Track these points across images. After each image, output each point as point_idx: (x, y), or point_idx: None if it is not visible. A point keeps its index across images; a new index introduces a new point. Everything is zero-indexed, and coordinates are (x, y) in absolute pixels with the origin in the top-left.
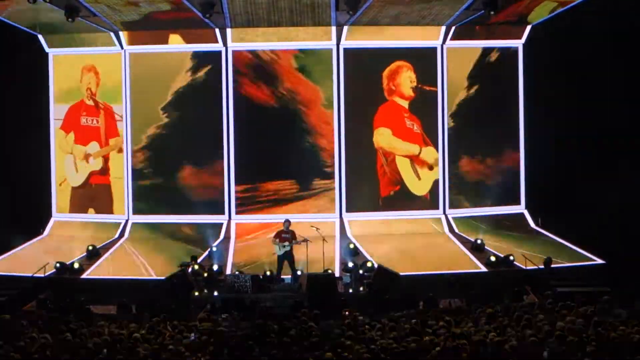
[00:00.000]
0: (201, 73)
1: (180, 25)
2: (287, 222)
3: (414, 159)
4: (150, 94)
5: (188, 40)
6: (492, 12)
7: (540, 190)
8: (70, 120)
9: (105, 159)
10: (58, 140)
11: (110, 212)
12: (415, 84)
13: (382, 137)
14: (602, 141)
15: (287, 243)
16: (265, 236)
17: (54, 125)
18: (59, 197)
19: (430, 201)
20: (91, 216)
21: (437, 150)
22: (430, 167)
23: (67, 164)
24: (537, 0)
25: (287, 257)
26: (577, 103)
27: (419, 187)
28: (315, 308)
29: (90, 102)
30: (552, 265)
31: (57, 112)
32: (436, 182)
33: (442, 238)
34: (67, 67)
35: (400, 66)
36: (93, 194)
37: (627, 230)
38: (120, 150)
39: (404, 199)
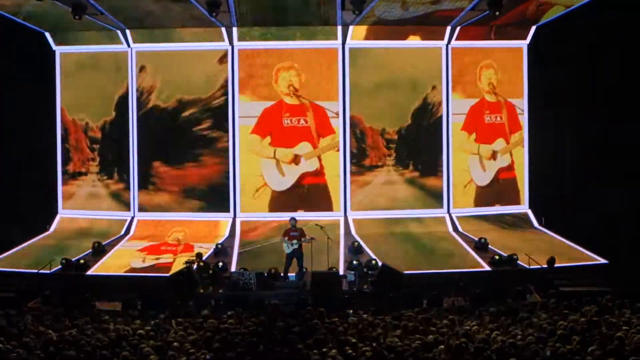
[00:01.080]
0: None
1: (186, 23)
2: (293, 220)
3: None
4: None
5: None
6: (496, 13)
7: (544, 189)
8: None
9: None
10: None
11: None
12: None
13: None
14: (606, 141)
15: (295, 241)
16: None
17: (60, 126)
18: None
19: None
20: (97, 213)
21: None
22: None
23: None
24: (547, 5)
25: (296, 255)
26: (581, 103)
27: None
28: (319, 306)
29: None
30: (556, 265)
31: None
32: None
33: (446, 237)
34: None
35: None
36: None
37: (631, 230)
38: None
39: None
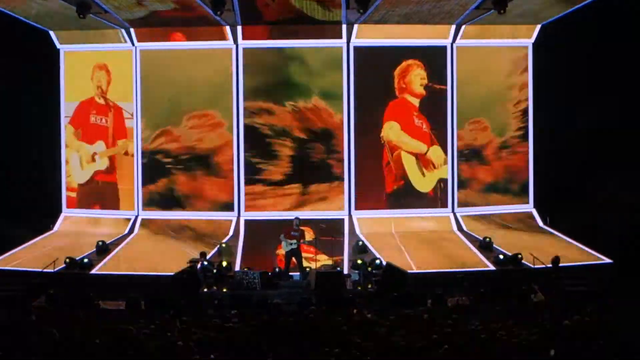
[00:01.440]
0: None
1: (190, 23)
2: (297, 219)
3: (420, 157)
4: None
5: None
6: (501, 11)
7: (549, 188)
8: (80, 116)
9: (112, 160)
10: (67, 135)
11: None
12: (425, 82)
13: (391, 131)
14: (611, 140)
15: (295, 241)
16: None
17: (64, 122)
18: (68, 191)
19: (435, 198)
20: (101, 212)
21: (446, 149)
22: (435, 167)
23: (72, 160)
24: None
25: (295, 254)
26: (587, 102)
27: (423, 184)
28: (323, 305)
29: (101, 101)
30: (560, 264)
31: (67, 109)
32: (440, 181)
33: (451, 236)
34: (78, 64)
35: (410, 64)
36: (100, 191)
37: (635, 230)
38: (126, 153)
39: (408, 195)
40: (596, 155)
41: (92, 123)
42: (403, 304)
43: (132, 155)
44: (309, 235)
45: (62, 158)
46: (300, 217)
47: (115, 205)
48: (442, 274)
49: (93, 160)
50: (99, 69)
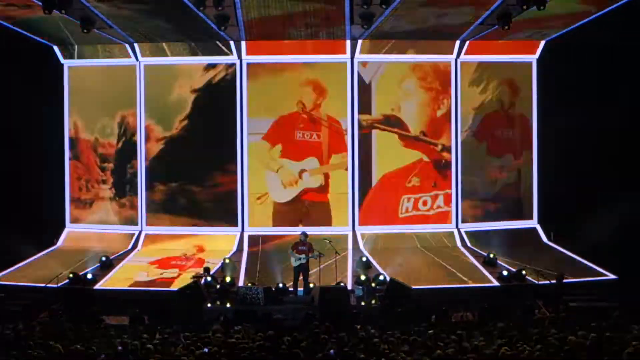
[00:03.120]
0: None
1: (193, 38)
2: (304, 234)
3: None
4: None
5: None
6: (505, 27)
7: (553, 205)
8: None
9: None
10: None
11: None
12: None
13: None
14: (615, 156)
15: (303, 256)
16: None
17: (68, 135)
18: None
19: None
20: (105, 227)
21: (451, 162)
22: None
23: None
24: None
25: (302, 270)
26: (591, 117)
27: None
28: (327, 320)
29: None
30: (564, 281)
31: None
32: None
33: (455, 252)
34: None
35: None
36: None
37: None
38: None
39: None
40: (601, 171)
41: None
42: (407, 319)
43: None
44: (316, 251)
45: (66, 173)
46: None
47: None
48: (446, 289)
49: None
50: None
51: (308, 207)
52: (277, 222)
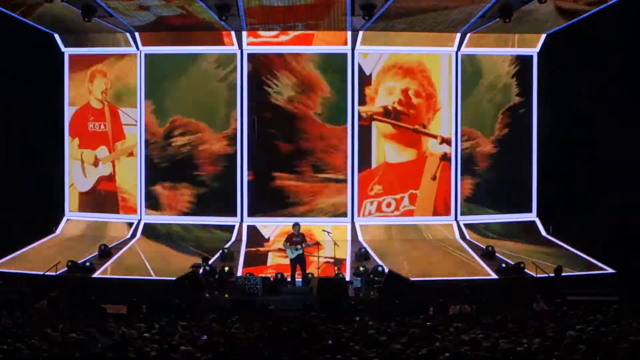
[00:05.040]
0: None
1: (194, 27)
2: (297, 225)
3: None
4: None
5: None
6: (506, 20)
7: (552, 198)
8: (76, 125)
9: (113, 164)
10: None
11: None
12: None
13: None
14: (614, 149)
15: (298, 246)
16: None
17: (69, 128)
18: (70, 199)
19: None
20: (104, 215)
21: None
22: None
23: (74, 169)
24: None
25: (299, 261)
26: (591, 111)
27: None
28: (325, 311)
29: (99, 105)
30: (563, 274)
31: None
32: None
33: (453, 244)
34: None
35: None
36: (101, 201)
37: (639, 240)
38: (130, 154)
39: None
40: (600, 164)
41: (90, 130)
42: (405, 311)
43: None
44: (309, 239)
45: (66, 161)
46: (300, 223)
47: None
48: (444, 282)
49: (95, 165)
50: (99, 74)
51: None
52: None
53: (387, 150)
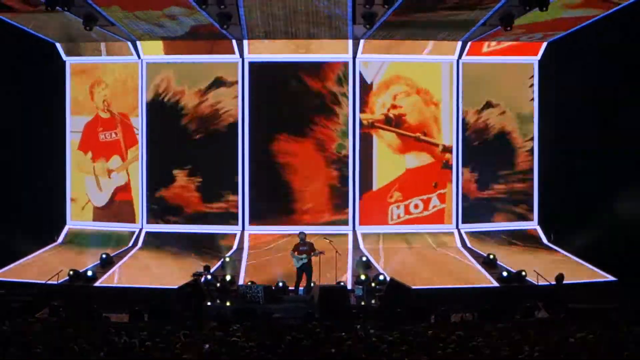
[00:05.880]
0: None
1: (197, 36)
2: (302, 234)
3: None
4: None
5: None
6: (507, 28)
7: (553, 206)
8: (88, 137)
9: (127, 173)
10: (76, 159)
11: None
12: None
13: None
14: (616, 158)
15: (305, 255)
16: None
17: (70, 136)
18: (79, 214)
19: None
20: (105, 224)
21: (452, 163)
22: None
23: (88, 185)
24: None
25: (306, 269)
26: (592, 119)
27: None
28: (327, 320)
29: (107, 115)
30: (564, 282)
31: (73, 123)
32: None
33: (455, 252)
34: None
35: None
36: (117, 211)
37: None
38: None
39: None
40: (601, 172)
41: (101, 141)
42: (406, 319)
43: None
44: (316, 248)
45: (67, 170)
46: (305, 232)
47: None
48: (445, 290)
49: (109, 176)
50: (98, 85)
51: None
52: None
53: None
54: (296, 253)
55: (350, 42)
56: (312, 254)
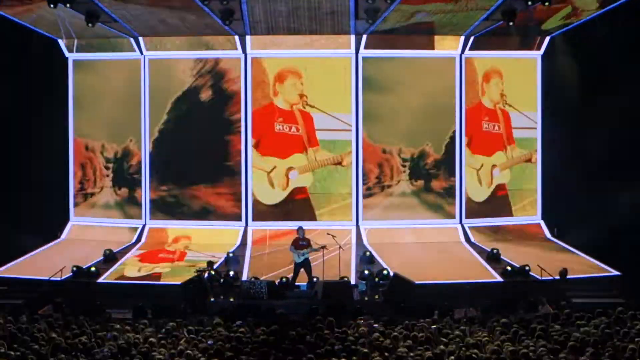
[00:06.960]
0: None
1: (199, 32)
2: (301, 229)
3: None
4: None
5: None
6: (510, 23)
7: (557, 200)
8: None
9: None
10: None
11: None
12: None
13: None
14: (619, 152)
15: (305, 250)
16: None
17: (73, 133)
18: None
19: None
20: (109, 220)
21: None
22: None
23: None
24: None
25: (305, 265)
26: (595, 114)
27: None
28: (330, 315)
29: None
30: (568, 276)
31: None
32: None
33: (458, 247)
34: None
35: None
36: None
37: None
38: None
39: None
40: (605, 166)
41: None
42: (410, 314)
43: None
44: (315, 243)
45: (70, 165)
46: (304, 227)
47: None
48: (449, 285)
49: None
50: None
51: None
52: None
53: None
54: (295, 248)
55: (352, 37)
56: (311, 248)
